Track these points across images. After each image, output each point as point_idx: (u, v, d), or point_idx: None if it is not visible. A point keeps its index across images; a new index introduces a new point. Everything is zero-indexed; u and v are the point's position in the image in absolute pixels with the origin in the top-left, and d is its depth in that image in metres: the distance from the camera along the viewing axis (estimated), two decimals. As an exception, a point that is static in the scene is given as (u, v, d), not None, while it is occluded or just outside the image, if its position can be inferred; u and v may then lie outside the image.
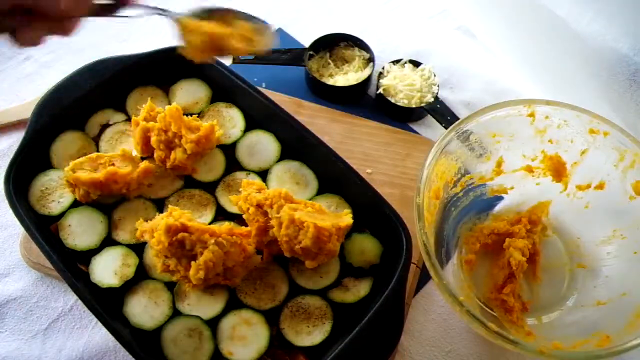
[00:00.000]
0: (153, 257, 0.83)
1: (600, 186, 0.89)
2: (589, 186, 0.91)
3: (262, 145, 0.95)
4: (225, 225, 0.82)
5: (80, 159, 0.88)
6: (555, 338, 0.82)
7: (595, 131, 0.86)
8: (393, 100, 1.10)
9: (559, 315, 0.90)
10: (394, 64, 1.14)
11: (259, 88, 0.96)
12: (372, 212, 0.87)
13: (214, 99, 1.00)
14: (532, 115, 0.88)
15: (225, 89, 0.98)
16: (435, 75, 1.12)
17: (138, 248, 0.86)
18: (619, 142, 0.85)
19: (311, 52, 1.15)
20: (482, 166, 0.94)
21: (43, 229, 0.84)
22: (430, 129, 1.12)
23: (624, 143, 0.85)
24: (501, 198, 1.00)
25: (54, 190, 0.89)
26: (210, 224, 0.88)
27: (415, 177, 1.01)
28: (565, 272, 0.94)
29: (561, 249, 0.96)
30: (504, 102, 0.87)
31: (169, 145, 0.89)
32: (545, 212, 0.97)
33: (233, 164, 0.94)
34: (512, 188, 0.97)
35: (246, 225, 0.86)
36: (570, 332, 0.86)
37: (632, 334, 0.74)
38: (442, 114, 1.08)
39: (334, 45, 1.17)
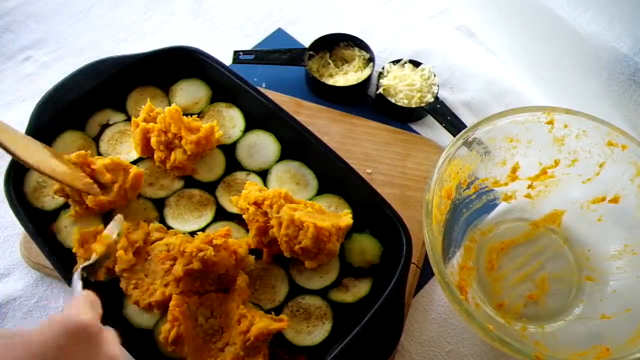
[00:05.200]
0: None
1: (614, 200, 0.88)
2: (603, 199, 0.90)
3: (262, 145, 0.95)
4: (198, 238, 0.80)
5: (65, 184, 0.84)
6: (555, 347, 0.82)
7: (614, 144, 0.85)
8: (393, 100, 1.10)
9: (562, 326, 0.89)
10: (394, 64, 1.14)
11: (259, 88, 0.95)
12: (372, 212, 0.87)
13: (214, 99, 1.00)
14: (550, 122, 0.87)
15: (225, 89, 0.98)
16: (435, 75, 1.12)
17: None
18: (637, 156, 0.84)
19: (311, 52, 1.15)
20: (497, 170, 0.93)
21: (43, 229, 0.84)
22: (430, 129, 1.12)
23: (642, 157, 0.84)
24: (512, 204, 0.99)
25: (52, 185, 0.88)
26: (210, 224, 0.89)
27: (415, 177, 1.02)
28: (572, 284, 0.93)
29: (571, 260, 0.95)
30: (522, 107, 0.86)
31: (169, 146, 0.89)
32: (558, 221, 0.97)
33: (233, 164, 0.94)
34: (526, 195, 0.97)
35: (246, 226, 0.86)
36: (571, 343, 0.86)
37: (631, 350, 0.74)
38: (442, 114, 1.08)
39: (334, 45, 1.17)
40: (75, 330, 0.53)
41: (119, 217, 0.77)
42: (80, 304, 0.59)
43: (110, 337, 0.57)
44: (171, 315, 0.76)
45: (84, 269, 0.68)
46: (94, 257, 0.72)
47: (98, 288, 0.81)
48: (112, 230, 0.75)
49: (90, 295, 0.61)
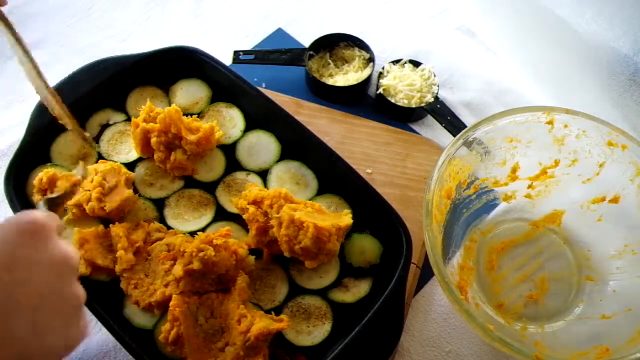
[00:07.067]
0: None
1: (614, 200, 0.88)
2: (603, 199, 0.90)
3: (262, 146, 0.95)
4: (198, 238, 0.80)
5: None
6: (555, 347, 0.81)
7: (614, 144, 0.85)
8: (393, 100, 1.10)
9: (562, 326, 0.89)
10: (394, 64, 1.14)
11: (259, 88, 0.96)
12: (372, 212, 0.87)
13: (214, 99, 1.00)
14: (550, 122, 0.87)
15: (225, 89, 0.98)
16: (435, 75, 1.12)
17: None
18: (637, 156, 0.84)
19: (311, 52, 1.15)
20: (497, 170, 0.93)
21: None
22: (430, 129, 1.12)
23: (642, 157, 0.84)
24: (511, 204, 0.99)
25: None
26: (210, 224, 0.89)
27: (415, 177, 1.02)
28: (572, 284, 0.93)
29: (571, 260, 0.95)
30: (522, 107, 0.86)
31: (169, 147, 0.89)
32: (558, 221, 0.96)
33: (233, 164, 0.94)
34: (526, 195, 0.96)
35: (246, 226, 0.86)
36: (571, 343, 0.86)
37: (632, 350, 0.74)
38: (442, 114, 1.08)
39: (334, 45, 1.17)
40: (29, 226, 0.51)
41: (81, 163, 0.81)
42: (37, 211, 0.57)
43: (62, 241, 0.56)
44: (171, 315, 0.76)
45: (46, 201, 0.70)
46: (57, 191, 0.75)
47: (98, 288, 0.81)
48: (78, 172, 0.80)
49: (51, 213, 0.59)
